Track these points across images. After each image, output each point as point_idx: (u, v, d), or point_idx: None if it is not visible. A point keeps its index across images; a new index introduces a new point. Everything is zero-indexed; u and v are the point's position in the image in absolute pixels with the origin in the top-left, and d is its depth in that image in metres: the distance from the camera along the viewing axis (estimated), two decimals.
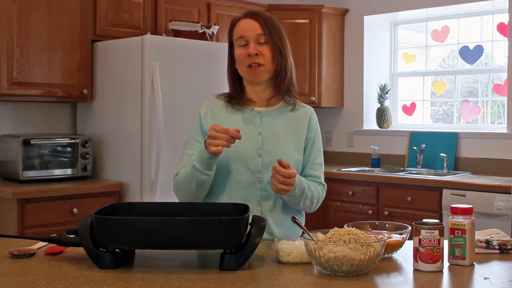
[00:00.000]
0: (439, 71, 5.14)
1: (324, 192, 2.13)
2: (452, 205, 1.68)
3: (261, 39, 2.02)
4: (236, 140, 1.99)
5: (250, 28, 2.03)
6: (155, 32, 4.19)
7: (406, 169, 4.73)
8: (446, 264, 1.64)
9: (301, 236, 1.77)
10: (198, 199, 2.04)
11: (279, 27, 2.07)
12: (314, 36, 5.01)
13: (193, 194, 2.01)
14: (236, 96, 2.10)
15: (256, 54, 2.00)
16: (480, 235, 1.86)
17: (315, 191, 2.07)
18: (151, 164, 3.67)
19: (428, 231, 1.58)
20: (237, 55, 2.04)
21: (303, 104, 2.17)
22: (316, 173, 2.11)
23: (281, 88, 2.08)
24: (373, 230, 1.82)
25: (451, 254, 1.65)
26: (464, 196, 3.87)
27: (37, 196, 3.43)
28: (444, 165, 4.53)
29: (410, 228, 1.70)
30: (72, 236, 1.71)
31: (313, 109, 2.18)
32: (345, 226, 1.73)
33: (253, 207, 1.98)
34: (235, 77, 2.10)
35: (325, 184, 2.15)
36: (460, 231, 1.63)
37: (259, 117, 2.07)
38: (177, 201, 2.08)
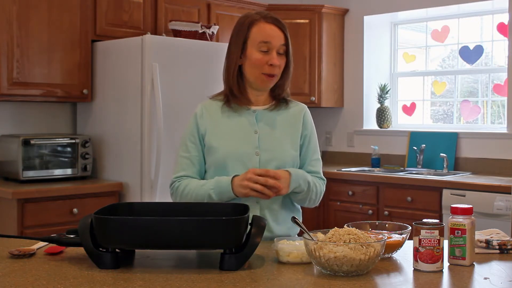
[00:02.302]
0: (439, 71, 5.14)
1: (324, 186, 2.18)
2: (452, 205, 1.68)
3: (281, 51, 2.05)
4: (233, 139, 2.01)
5: (277, 36, 2.03)
6: (155, 32, 4.19)
7: (406, 169, 4.72)
8: (446, 264, 1.64)
9: (300, 235, 1.77)
10: None
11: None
12: (314, 36, 5.01)
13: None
14: (238, 93, 2.08)
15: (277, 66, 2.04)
16: (480, 235, 1.86)
17: (318, 186, 2.12)
18: (151, 164, 3.67)
19: (428, 231, 1.59)
20: (256, 59, 2.03)
21: (296, 102, 2.20)
22: (315, 168, 2.14)
23: (279, 97, 2.13)
24: (373, 230, 1.82)
25: (451, 254, 1.65)
26: (464, 196, 3.87)
27: (37, 196, 3.42)
28: (444, 165, 4.53)
29: (410, 228, 1.70)
30: (72, 236, 1.71)
31: (306, 106, 2.21)
32: (345, 226, 1.73)
33: (252, 205, 1.98)
34: (238, 74, 2.10)
35: (325, 179, 2.19)
36: (460, 231, 1.63)
37: (254, 116, 2.09)
38: None
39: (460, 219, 1.65)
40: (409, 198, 4.17)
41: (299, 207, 2.17)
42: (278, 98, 2.13)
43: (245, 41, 2.05)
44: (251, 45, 2.04)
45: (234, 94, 2.09)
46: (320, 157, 2.18)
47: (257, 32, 2.04)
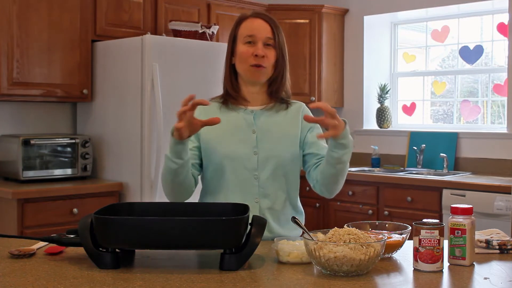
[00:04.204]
0: (439, 71, 5.14)
1: None
2: (452, 205, 1.68)
3: (269, 42, 2.05)
4: (231, 140, 2.00)
5: (261, 28, 2.05)
6: (155, 32, 4.19)
7: (406, 169, 4.72)
8: (446, 264, 1.64)
9: (301, 236, 1.77)
10: (182, 196, 2.01)
11: (283, 33, 2.10)
12: (314, 36, 5.01)
13: (171, 188, 1.98)
14: (233, 91, 2.09)
15: (263, 56, 2.03)
16: (480, 235, 1.86)
17: None
18: (151, 164, 3.67)
19: (428, 231, 1.58)
20: (242, 52, 2.04)
21: (295, 101, 2.19)
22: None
23: (277, 95, 2.11)
24: (373, 230, 1.82)
25: (451, 254, 1.65)
26: (464, 196, 3.87)
27: (37, 196, 3.42)
28: (444, 165, 4.53)
29: (410, 228, 1.70)
30: (72, 236, 1.71)
31: (303, 103, 2.19)
32: (345, 226, 1.73)
33: (251, 205, 1.97)
34: (232, 73, 2.11)
35: None
36: (460, 231, 1.63)
37: (252, 116, 2.08)
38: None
39: (460, 219, 1.65)
40: (409, 198, 4.17)
41: (302, 209, 2.16)
42: (276, 96, 2.12)
43: (234, 39, 2.09)
44: (239, 41, 2.07)
45: (230, 93, 2.10)
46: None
47: (243, 28, 2.07)
